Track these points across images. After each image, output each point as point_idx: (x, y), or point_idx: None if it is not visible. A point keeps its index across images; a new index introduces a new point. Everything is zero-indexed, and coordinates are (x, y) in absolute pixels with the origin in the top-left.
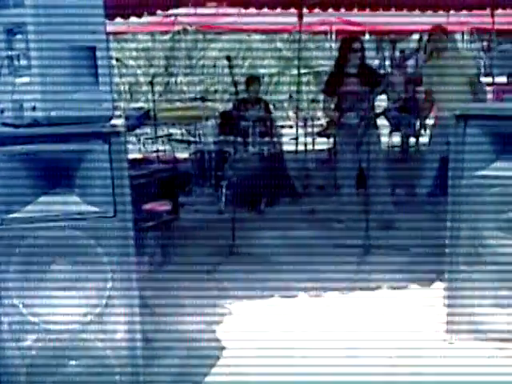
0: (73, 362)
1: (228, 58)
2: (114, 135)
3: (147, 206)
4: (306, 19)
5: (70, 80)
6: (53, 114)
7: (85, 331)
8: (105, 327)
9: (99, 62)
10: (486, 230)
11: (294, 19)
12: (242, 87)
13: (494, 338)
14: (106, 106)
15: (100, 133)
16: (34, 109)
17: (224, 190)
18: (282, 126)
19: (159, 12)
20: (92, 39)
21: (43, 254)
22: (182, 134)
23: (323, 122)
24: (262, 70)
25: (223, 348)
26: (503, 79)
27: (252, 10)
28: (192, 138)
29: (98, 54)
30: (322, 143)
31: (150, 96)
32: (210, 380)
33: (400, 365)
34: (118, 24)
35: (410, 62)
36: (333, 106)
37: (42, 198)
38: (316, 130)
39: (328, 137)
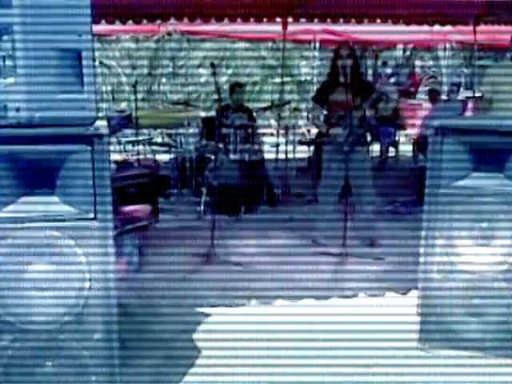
0: (49, 363)
1: (212, 65)
2: (97, 138)
3: (126, 209)
4: (290, 28)
5: (55, 82)
6: (36, 115)
7: (62, 332)
8: (82, 328)
9: (84, 65)
10: (459, 240)
11: (279, 28)
12: (225, 94)
13: (467, 347)
14: (90, 108)
15: (83, 135)
16: (17, 110)
17: (204, 196)
18: (264, 134)
19: (144, 21)
20: (78, 41)
21: (22, 255)
22: (163, 138)
23: (305, 130)
24: (245, 78)
25: (199, 351)
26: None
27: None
28: (173, 143)
29: (84, 56)
30: (303, 151)
31: (131, 99)
32: (187, 381)
33: (374, 373)
34: (101, 25)
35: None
36: (322, 115)
37: (23, 199)
38: (297, 138)
39: (309, 145)
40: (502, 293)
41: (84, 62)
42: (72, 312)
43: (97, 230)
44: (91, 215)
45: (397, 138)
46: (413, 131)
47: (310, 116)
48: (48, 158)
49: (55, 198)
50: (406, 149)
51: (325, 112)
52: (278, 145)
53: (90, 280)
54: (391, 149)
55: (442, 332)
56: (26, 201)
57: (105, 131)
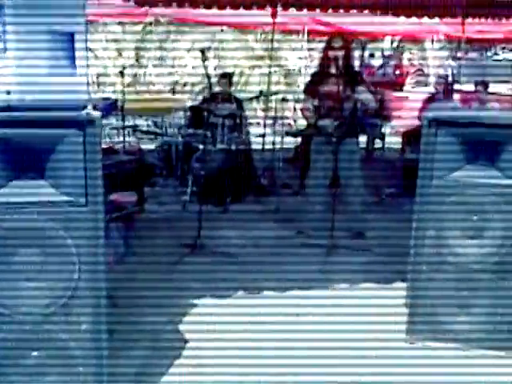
0: (35, 353)
1: (202, 52)
2: (89, 123)
3: (112, 197)
4: (279, 17)
5: (46, 65)
6: (27, 98)
7: (49, 321)
8: (70, 318)
9: (77, 48)
10: (449, 232)
11: (268, 17)
12: (213, 82)
13: (455, 339)
14: (82, 93)
15: (75, 120)
16: (8, 93)
17: (190, 184)
18: (250, 123)
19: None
20: (71, 24)
21: (10, 242)
22: (149, 126)
23: (291, 121)
24: (232, 67)
25: (186, 341)
26: (471, 87)
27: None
28: (159, 130)
29: (77, 39)
30: (290, 142)
31: (117, 86)
32: (174, 371)
33: (361, 364)
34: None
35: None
36: (312, 106)
37: (13, 184)
38: (284, 128)
39: (296, 136)
40: (491, 286)
41: (77, 46)
42: (59, 302)
43: (87, 218)
44: (82, 201)
45: (383, 130)
46: (399, 123)
47: (297, 107)
48: (39, 142)
49: (45, 184)
50: (392, 141)
51: (316, 103)
52: (264, 135)
53: (79, 268)
54: (377, 141)
55: (430, 324)
56: (15, 186)
57: (97, 116)
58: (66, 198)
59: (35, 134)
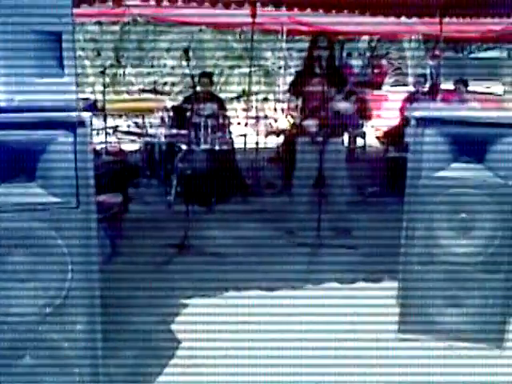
0: (30, 355)
1: (186, 52)
2: (79, 124)
3: (97, 199)
4: (258, 17)
5: (34, 65)
6: (16, 100)
7: (43, 323)
8: (64, 319)
9: (64, 48)
10: (438, 229)
11: (247, 17)
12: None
13: (446, 336)
14: (71, 93)
15: (65, 122)
16: None
17: (174, 185)
18: (232, 123)
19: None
20: (58, 24)
21: (2, 244)
22: (129, 126)
23: (272, 121)
24: (211, 66)
25: (179, 341)
26: (449, 85)
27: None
28: (140, 131)
29: (64, 39)
30: (272, 142)
31: (97, 87)
32: (168, 371)
33: (352, 363)
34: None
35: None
36: (296, 106)
37: (3, 187)
38: (265, 128)
39: (278, 135)
40: (480, 282)
41: (64, 46)
42: (53, 303)
43: (79, 220)
44: (73, 204)
45: (364, 129)
46: (380, 122)
47: (277, 107)
48: (29, 144)
49: (36, 187)
50: (372, 139)
51: (300, 103)
52: (245, 135)
53: (73, 269)
54: (359, 139)
55: (422, 322)
56: (6, 189)
57: (87, 117)
58: (57, 200)
59: (25, 136)
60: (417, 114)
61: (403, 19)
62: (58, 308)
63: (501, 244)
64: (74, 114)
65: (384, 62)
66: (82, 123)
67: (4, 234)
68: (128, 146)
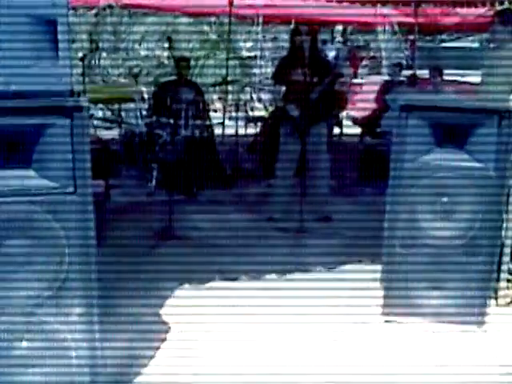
0: (28, 339)
1: (169, 39)
2: (76, 110)
3: None
4: (235, 4)
5: (29, 51)
6: (11, 86)
7: (41, 307)
8: (62, 302)
9: (59, 35)
10: (420, 213)
11: (224, 3)
12: (169, 69)
13: (429, 318)
14: (66, 79)
15: (63, 107)
16: None
17: (155, 173)
18: (209, 110)
19: None
20: (53, 9)
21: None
22: (104, 114)
23: (248, 107)
24: (187, 53)
25: (170, 326)
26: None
27: None
28: (117, 118)
29: (59, 26)
30: (250, 129)
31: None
32: (162, 354)
33: (336, 346)
34: None
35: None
36: (281, 93)
37: (0, 173)
38: (243, 115)
39: (256, 122)
40: (462, 263)
41: (59, 33)
42: (51, 288)
43: (77, 205)
44: (70, 189)
45: (340, 118)
46: (355, 110)
47: (253, 96)
48: (26, 130)
49: (33, 172)
50: (349, 127)
51: (283, 89)
52: (223, 122)
53: (69, 255)
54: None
55: (405, 304)
56: (3, 174)
57: (85, 103)
58: (54, 185)
59: (22, 122)
60: (400, 100)
61: (378, 7)
62: (56, 292)
63: (481, 227)
64: (70, 99)
65: (359, 50)
66: (78, 108)
67: (1, 219)
68: (106, 134)
